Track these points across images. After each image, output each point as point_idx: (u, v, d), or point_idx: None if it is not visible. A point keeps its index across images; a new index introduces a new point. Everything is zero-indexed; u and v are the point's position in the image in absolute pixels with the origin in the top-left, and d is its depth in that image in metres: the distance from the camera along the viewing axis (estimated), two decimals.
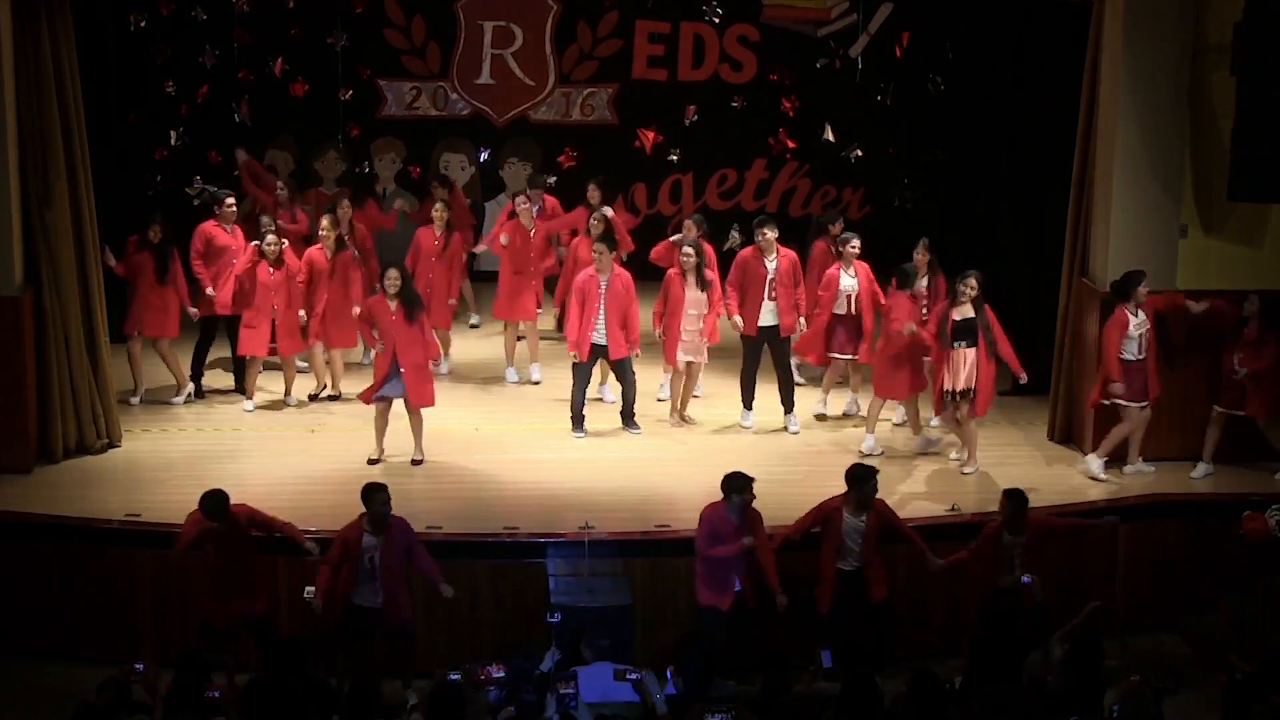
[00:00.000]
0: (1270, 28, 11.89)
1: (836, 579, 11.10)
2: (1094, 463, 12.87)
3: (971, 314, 12.67)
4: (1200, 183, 12.97)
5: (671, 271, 13.71)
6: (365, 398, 12.91)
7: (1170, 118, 12.83)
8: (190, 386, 14.26)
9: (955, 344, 12.63)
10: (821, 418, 14.09)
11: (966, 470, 12.94)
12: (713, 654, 9.75)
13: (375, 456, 12.87)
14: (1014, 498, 11.10)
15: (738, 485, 10.93)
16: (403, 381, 12.71)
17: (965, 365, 12.65)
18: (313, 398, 14.36)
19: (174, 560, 10.94)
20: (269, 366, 14.40)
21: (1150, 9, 12.68)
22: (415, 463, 12.90)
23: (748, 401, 13.89)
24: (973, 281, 12.66)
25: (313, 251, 14.22)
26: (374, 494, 10.73)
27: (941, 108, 17.67)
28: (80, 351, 12.82)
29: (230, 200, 14.50)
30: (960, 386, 12.70)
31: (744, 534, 10.93)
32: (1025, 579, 10.64)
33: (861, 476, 11.11)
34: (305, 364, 14.62)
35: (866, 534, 11.04)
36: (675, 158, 18.03)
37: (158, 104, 17.22)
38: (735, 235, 16.69)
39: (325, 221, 14.25)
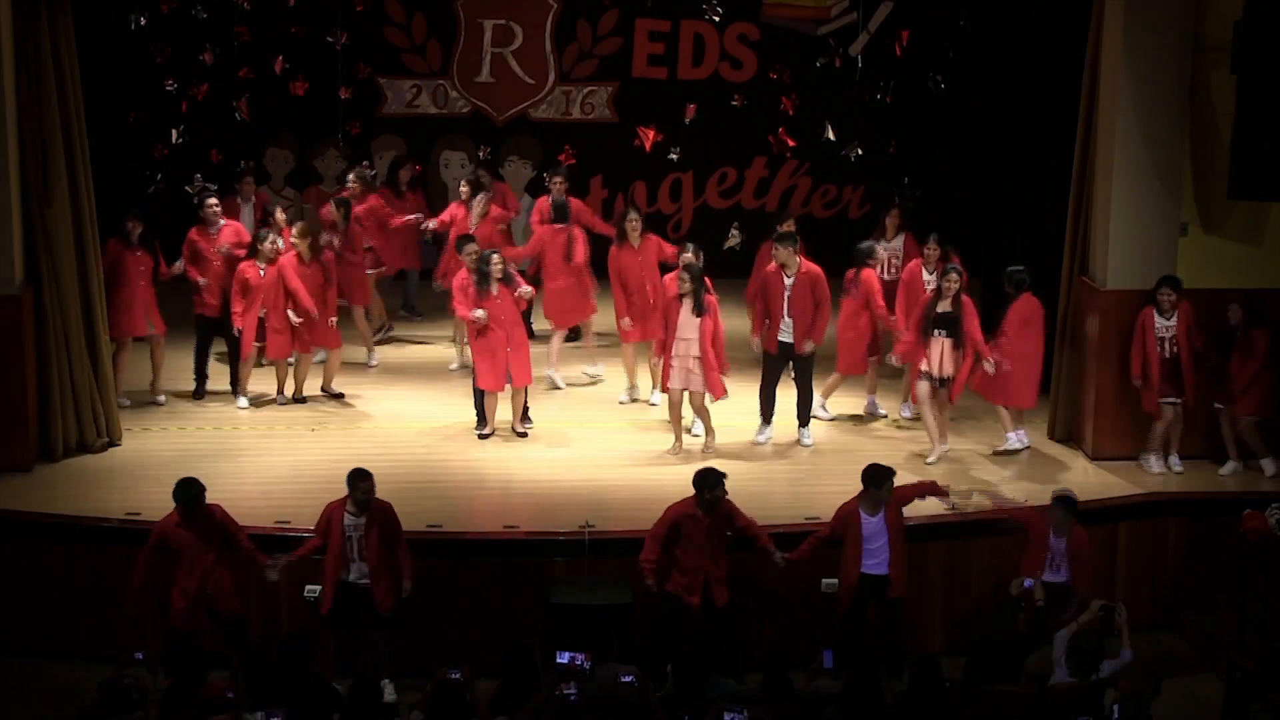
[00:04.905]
0: (1270, 26, 11.89)
1: (860, 582, 10.99)
2: (1147, 460, 12.94)
3: (950, 308, 12.75)
4: (1200, 181, 12.95)
5: (673, 295, 13.10)
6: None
7: (1170, 116, 12.81)
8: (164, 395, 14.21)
9: (935, 332, 12.74)
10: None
11: (930, 460, 12.88)
12: (702, 652, 9.71)
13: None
14: (1064, 503, 11.08)
15: (711, 482, 10.89)
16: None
17: (941, 353, 12.75)
18: (298, 399, 14.27)
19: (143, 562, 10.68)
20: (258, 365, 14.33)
21: (1150, 7, 12.65)
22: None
23: (766, 415, 13.50)
24: (954, 277, 12.80)
25: (287, 258, 13.84)
26: (357, 482, 10.75)
27: (942, 106, 17.67)
28: (80, 350, 12.81)
29: (212, 202, 14.31)
30: (939, 373, 12.81)
31: (718, 530, 10.86)
32: (1027, 583, 10.63)
33: (876, 477, 10.99)
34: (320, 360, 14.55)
35: (889, 534, 10.95)
36: (675, 156, 18.01)
37: (158, 102, 17.24)
38: (735, 234, 16.69)
39: (295, 231, 13.96)
